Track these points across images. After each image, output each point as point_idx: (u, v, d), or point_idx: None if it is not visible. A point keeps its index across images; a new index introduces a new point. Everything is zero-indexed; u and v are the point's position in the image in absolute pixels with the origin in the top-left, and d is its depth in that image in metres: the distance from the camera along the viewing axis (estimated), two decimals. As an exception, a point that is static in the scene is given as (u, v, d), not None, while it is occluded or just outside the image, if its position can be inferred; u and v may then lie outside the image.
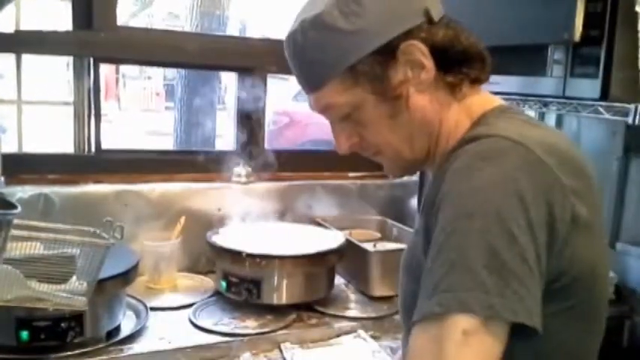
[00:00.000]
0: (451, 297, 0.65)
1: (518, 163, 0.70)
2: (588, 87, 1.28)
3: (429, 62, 0.81)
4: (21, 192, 1.57)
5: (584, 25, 1.24)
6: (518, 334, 0.67)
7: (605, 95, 1.25)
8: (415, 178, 2.07)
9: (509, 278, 0.65)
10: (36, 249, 1.04)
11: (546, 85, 1.40)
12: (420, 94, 0.83)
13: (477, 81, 0.86)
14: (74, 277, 1.08)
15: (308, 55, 0.84)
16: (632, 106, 1.22)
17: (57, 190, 1.62)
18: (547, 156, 0.72)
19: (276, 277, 1.52)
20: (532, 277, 0.67)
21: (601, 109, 1.28)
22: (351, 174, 2.08)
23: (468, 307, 0.64)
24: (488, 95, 0.88)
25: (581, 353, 0.80)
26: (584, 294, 0.76)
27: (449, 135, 0.85)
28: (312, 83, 0.87)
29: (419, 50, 0.81)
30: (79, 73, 1.72)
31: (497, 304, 0.64)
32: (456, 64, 0.84)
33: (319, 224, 1.87)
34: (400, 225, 1.91)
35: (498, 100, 0.88)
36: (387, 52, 0.81)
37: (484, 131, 0.77)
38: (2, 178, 1.59)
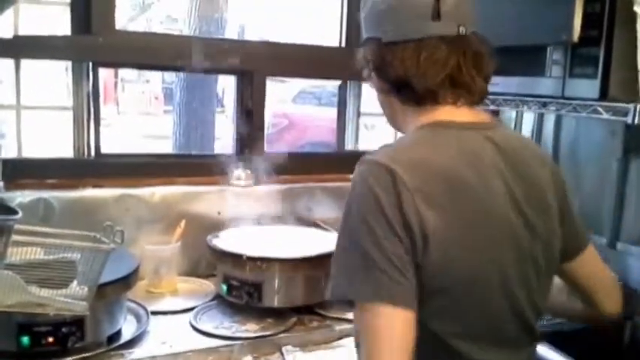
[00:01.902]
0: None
1: (375, 180, 0.87)
2: (587, 87, 1.28)
3: (367, 70, 0.98)
4: (20, 197, 1.57)
5: (583, 26, 1.24)
6: None
7: (604, 95, 1.25)
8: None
9: (371, 265, 0.82)
10: (36, 254, 1.04)
11: (545, 85, 1.40)
12: (377, 91, 1.01)
13: (410, 103, 0.95)
14: (75, 282, 1.08)
15: None
16: (631, 106, 1.22)
17: (57, 195, 1.62)
18: (404, 170, 0.84)
19: (276, 280, 1.52)
20: (390, 263, 0.81)
21: (600, 110, 1.28)
22: (350, 176, 2.07)
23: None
24: (442, 110, 0.94)
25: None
26: (463, 300, 0.86)
27: None
28: None
29: (366, 56, 0.97)
30: (77, 78, 1.72)
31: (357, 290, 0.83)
32: (392, 85, 0.95)
33: (319, 227, 1.87)
34: (400, 227, 1.90)
35: (444, 116, 0.93)
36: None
37: (374, 154, 0.90)
38: (2, 183, 1.59)
